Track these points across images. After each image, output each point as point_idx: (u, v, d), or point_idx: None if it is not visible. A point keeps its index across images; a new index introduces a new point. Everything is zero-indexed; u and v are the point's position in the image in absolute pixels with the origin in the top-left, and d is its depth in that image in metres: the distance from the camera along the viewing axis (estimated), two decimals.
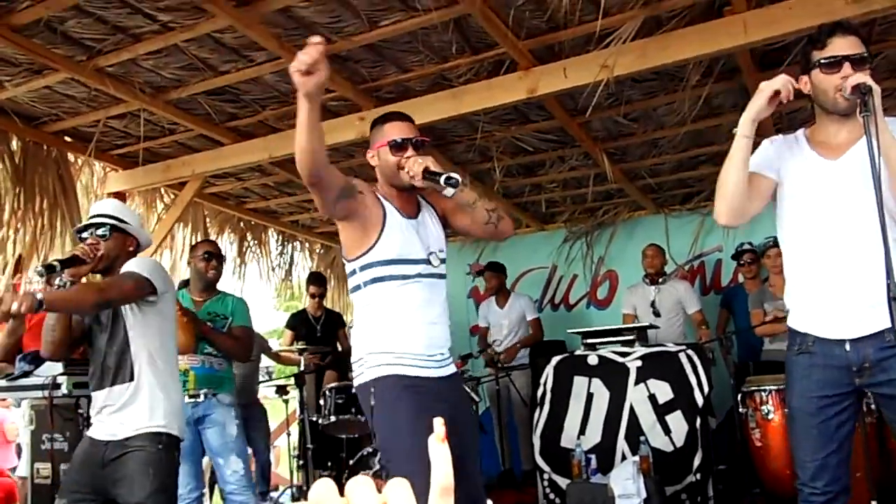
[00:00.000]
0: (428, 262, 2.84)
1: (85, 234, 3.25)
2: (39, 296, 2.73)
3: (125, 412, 3.10)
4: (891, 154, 2.28)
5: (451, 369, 2.91)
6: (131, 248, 3.33)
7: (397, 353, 2.72)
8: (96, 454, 3.08)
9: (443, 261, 2.93)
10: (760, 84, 2.50)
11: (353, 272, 2.85)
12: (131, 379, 3.11)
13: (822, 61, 2.43)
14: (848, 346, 2.36)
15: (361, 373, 2.79)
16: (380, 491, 0.61)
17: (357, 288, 2.84)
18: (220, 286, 4.74)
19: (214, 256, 4.60)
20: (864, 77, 2.29)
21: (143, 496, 2.96)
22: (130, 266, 3.19)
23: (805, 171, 2.50)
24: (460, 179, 2.62)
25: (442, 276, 2.91)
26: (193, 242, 6.26)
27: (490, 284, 7.36)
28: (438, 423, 0.65)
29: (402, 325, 2.76)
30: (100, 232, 3.24)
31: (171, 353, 3.30)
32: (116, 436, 3.08)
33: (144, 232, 3.46)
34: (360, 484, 0.61)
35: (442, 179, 2.61)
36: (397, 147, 2.82)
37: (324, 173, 2.63)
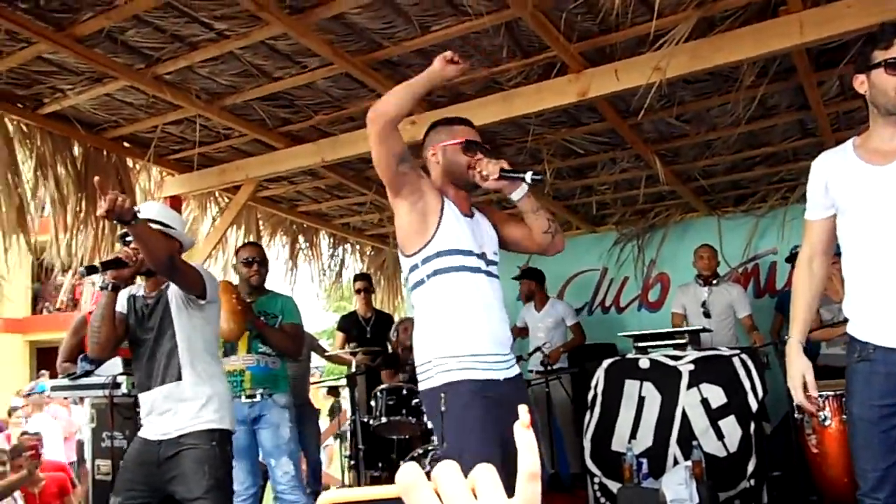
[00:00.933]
0: (485, 258, 2.82)
1: (129, 238, 3.27)
2: (136, 210, 2.93)
3: (175, 411, 3.17)
4: None
5: (516, 370, 2.87)
6: (174, 250, 3.36)
7: (466, 355, 2.66)
8: (151, 453, 3.16)
9: (496, 263, 2.90)
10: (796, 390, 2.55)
11: (415, 267, 2.80)
12: (179, 378, 3.18)
13: (889, 61, 2.35)
14: None
15: (430, 377, 2.71)
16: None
17: (419, 283, 2.78)
18: (271, 287, 4.81)
19: (256, 261, 4.66)
20: None
21: (199, 493, 3.03)
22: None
23: (854, 182, 2.45)
24: (542, 175, 2.77)
25: (497, 277, 2.88)
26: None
27: (523, 289, 7.35)
28: (524, 411, 0.66)
29: (469, 320, 2.71)
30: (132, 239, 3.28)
31: (215, 354, 3.41)
32: (169, 434, 3.15)
33: (187, 235, 3.53)
34: (447, 468, 0.62)
35: (528, 175, 2.69)
36: (471, 147, 2.86)
37: (394, 132, 2.69)
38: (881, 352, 2.38)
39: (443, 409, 2.63)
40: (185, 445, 3.14)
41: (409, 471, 0.62)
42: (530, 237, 2.96)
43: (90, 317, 5.83)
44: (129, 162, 5.81)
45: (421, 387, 2.78)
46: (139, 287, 3.45)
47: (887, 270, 2.36)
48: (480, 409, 2.59)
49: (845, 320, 2.63)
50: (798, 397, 2.46)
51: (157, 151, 5.53)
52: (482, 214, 3.03)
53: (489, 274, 2.81)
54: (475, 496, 0.61)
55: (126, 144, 5.59)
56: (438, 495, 0.61)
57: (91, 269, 3.09)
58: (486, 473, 0.62)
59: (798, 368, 2.49)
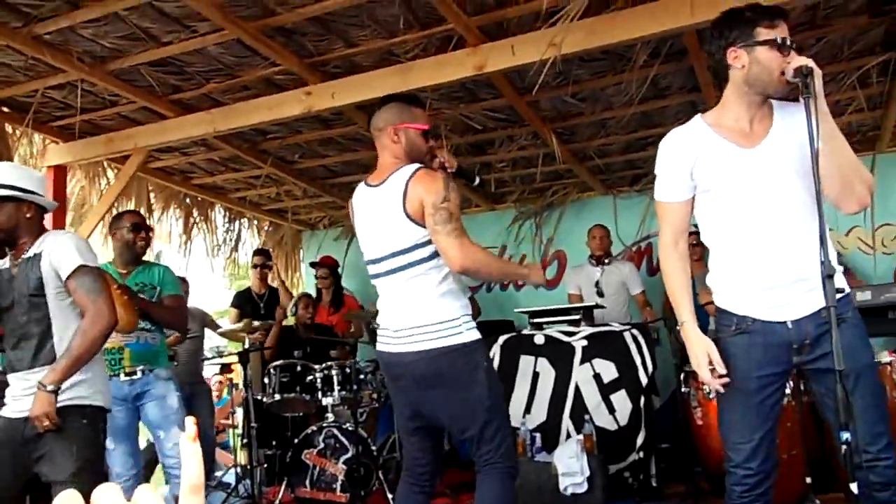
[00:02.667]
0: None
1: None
2: None
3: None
4: (833, 142, 2.28)
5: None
6: (29, 215, 3.09)
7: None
8: (14, 430, 2.94)
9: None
10: (701, 367, 2.49)
11: (436, 255, 2.85)
12: (52, 362, 2.96)
13: (778, 40, 2.37)
14: (790, 325, 2.39)
15: (460, 331, 2.82)
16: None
17: (434, 256, 2.85)
18: (153, 259, 4.62)
19: (143, 227, 4.44)
20: (806, 59, 2.28)
21: (66, 474, 2.84)
22: (62, 245, 3.03)
23: (722, 162, 2.46)
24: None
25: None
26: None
27: None
28: (189, 422, 0.71)
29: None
30: None
31: None
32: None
33: (44, 195, 3.18)
34: (106, 490, 0.63)
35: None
36: (431, 134, 3.05)
37: None
38: (760, 324, 2.44)
39: (484, 362, 2.87)
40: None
41: (68, 494, 0.62)
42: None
43: None
44: (8, 128, 5.49)
45: (447, 342, 2.80)
46: (4, 260, 3.18)
47: (763, 248, 2.42)
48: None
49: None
50: (705, 375, 2.43)
51: (37, 117, 5.26)
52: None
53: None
54: None
55: (4, 109, 5.28)
56: None
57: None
58: (145, 495, 0.63)
59: (701, 348, 2.45)
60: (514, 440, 5.05)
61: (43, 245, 3.06)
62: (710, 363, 2.42)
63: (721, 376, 2.42)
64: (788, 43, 2.39)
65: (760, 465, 2.40)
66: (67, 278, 2.99)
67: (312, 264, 8.02)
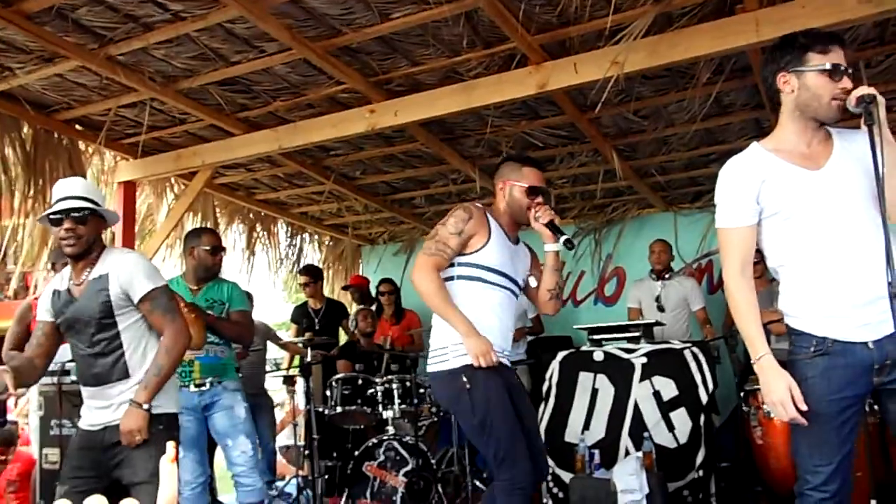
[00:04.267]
0: (513, 279, 3.37)
1: (57, 216, 3.08)
2: None
3: (120, 403, 3.09)
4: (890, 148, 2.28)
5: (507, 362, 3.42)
6: (101, 231, 3.25)
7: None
8: (94, 440, 3.09)
9: (520, 286, 3.49)
10: (785, 405, 2.37)
11: (452, 264, 3.28)
12: (125, 378, 3.09)
13: (828, 67, 2.38)
14: (871, 345, 2.36)
15: (447, 359, 3.19)
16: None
17: (449, 279, 3.27)
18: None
19: (221, 249, 4.56)
20: (868, 88, 2.29)
21: (145, 476, 2.96)
22: (130, 267, 3.12)
23: (790, 185, 2.45)
24: (574, 244, 3.43)
25: (516, 296, 3.44)
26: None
27: None
28: (170, 447, 0.94)
29: (483, 321, 3.20)
30: (77, 216, 3.10)
31: (157, 340, 3.24)
32: (115, 421, 3.06)
33: (110, 210, 3.33)
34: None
35: (562, 239, 3.33)
36: (533, 192, 3.38)
37: (438, 270, 3.27)
38: (840, 345, 2.41)
39: (468, 385, 3.11)
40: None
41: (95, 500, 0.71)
42: (537, 290, 3.55)
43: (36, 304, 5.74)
44: (81, 145, 5.70)
45: (438, 367, 3.25)
46: (62, 278, 3.26)
47: (838, 269, 2.39)
48: (499, 378, 3.18)
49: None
50: (789, 412, 2.33)
51: (109, 135, 5.44)
52: (526, 249, 3.60)
53: (513, 292, 3.39)
54: None
55: (78, 127, 5.48)
56: None
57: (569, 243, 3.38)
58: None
59: (783, 384, 2.35)
60: (573, 456, 5.06)
61: (108, 265, 3.14)
62: (793, 399, 2.35)
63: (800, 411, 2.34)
64: (843, 68, 2.39)
65: (838, 489, 2.36)
66: (140, 301, 3.11)
67: (344, 287, 8.19)
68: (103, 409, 3.11)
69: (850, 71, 2.39)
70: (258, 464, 4.40)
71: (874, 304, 2.30)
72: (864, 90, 2.28)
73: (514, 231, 3.50)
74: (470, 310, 3.20)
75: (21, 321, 4.92)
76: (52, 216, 3.09)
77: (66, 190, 3.16)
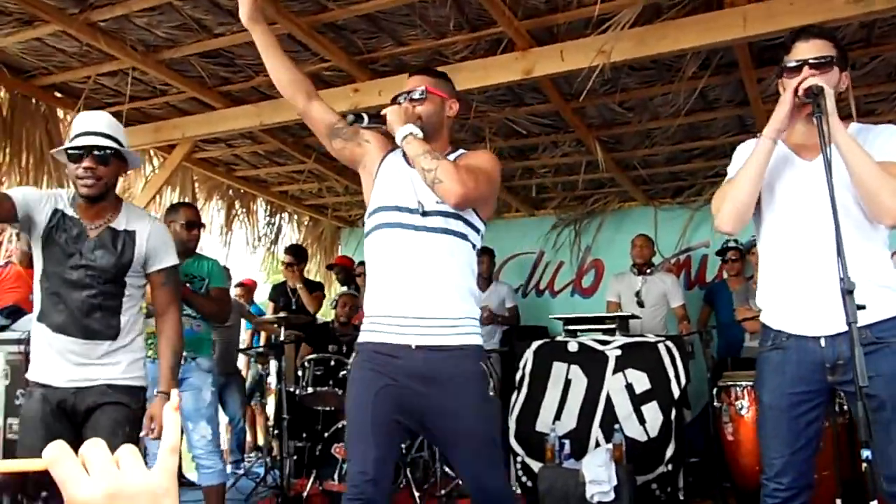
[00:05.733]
0: (421, 210, 2.54)
1: (76, 152, 2.80)
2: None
3: (101, 364, 2.87)
4: (848, 156, 2.29)
5: (442, 339, 2.50)
6: (123, 175, 3.07)
7: (370, 316, 2.59)
8: (64, 404, 2.84)
9: (444, 214, 2.55)
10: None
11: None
12: (113, 339, 2.90)
13: (786, 66, 2.45)
14: (823, 343, 2.36)
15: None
16: None
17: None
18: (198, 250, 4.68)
19: (197, 224, 4.50)
20: (813, 79, 2.31)
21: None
22: (163, 236, 3.01)
23: (785, 170, 2.49)
24: (366, 118, 2.60)
25: (449, 232, 2.55)
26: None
27: (482, 268, 7.24)
28: (174, 394, 0.84)
29: (376, 280, 2.60)
30: (100, 154, 2.81)
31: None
32: (94, 381, 2.83)
33: (134, 153, 3.04)
34: (95, 445, 0.72)
35: (366, 118, 2.62)
36: (395, 101, 2.74)
37: (300, 102, 2.72)
38: (794, 339, 2.42)
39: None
40: (109, 398, 2.83)
41: (56, 445, 0.69)
42: None
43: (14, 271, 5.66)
44: (60, 112, 5.60)
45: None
46: (65, 201, 2.94)
47: (804, 262, 2.40)
48: (360, 372, 2.55)
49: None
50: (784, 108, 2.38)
51: (88, 103, 5.34)
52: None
53: (429, 229, 2.53)
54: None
55: (56, 94, 5.39)
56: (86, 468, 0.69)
57: (358, 118, 2.61)
58: (128, 451, 0.73)
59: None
60: (543, 445, 5.07)
61: (133, 222, 2.96)
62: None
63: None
64: (800, 62, 2.41)
65: (792, 482, 2.38)
66: (158, 272, 3.00)
67: (329, 266, 8.16)
68: (80, 365, 2.84)
69: (811, 61, 2.39)
70: (217, 446, 4.35)
71: (829, 300, 2.29)
72: (809, 81, 2.31)
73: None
74: (371, 271, 2.64)
75: None
76: (70, 151, 2.81)
77: (90, 124, 2.87)
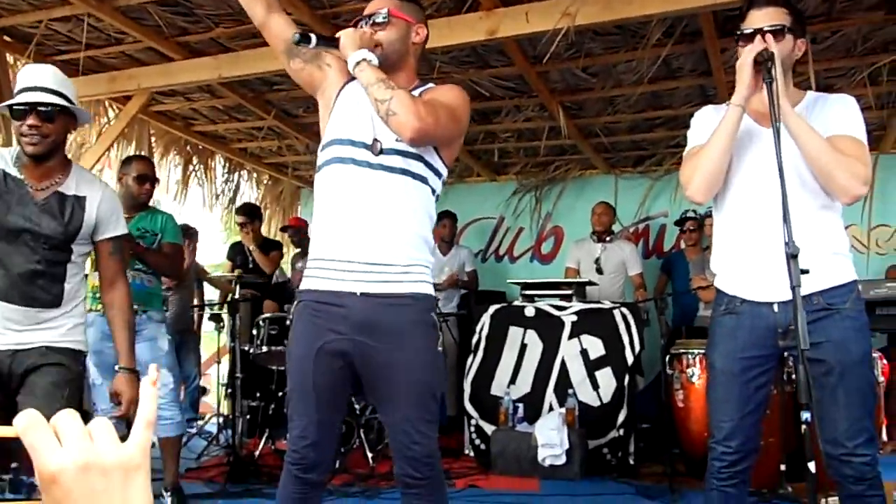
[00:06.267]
0: (376, 148, 2.34)
1: (21, 108, 2.66)
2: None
3: (41, 328, 2.77)
4: (798, 136, 2.29)
5: (392, 286, 2.32)
6: (70, 133, 2.90)
7: (313, 259, 2.40)
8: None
9: (403, 154, 2.35)
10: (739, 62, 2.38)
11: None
12: (55, 306, 2.78)
13: (740, 34, 2.42)
14: (776, 308, 2.38)
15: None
16: None
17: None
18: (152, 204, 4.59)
19: (150, 179, 4.40)
20: (761, 45, 2.29)
21: (50, 412, 2.71)
22: (113, 203, 2.90)
23: (745, 140, 2.48)
24: (314, 39, 2.31)
25: (404, 172, 2.34)
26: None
27: (444, 231, 7.18)
28: (152, 369, 0.79)
29: (320, 221, 2.42)
30: (46, 111, 2.68)
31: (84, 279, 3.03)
32: (33, 343, 2.74)
33: (83, 109, 2.93)
34: (67, 415, 0.70)
35: (314, 37, 2.33)
36: (356, 25, 2.51)
37: (258, 13, 2.50)
38: (748, 305, 2.44)
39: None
40: (48, 360, 2.73)
41: (28, 413, 0.68)
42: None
43: None
44: (10, 58, 5.41)
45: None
46: (8, 160, 2.77)
47: (760, 228, 2.41)
48: (301, 325, 2.37)
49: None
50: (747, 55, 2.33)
51: (40, 49, 5.20)
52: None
53: (385, 168, 2.33)
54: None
55: (6, 38, 5.20)
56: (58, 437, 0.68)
57: (304, 38, 2.32)
58: (102, 424, 0.71)
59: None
60: (497, 409, 5.10)
61: (83, 187, 2.84)
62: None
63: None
64: (752, 31, 2.38)
65: (740, 446, 2.41)
66: (106, 240, 2.89)
67: (283, 229, 8.09)
68: (19, 331, 2.73)
69: (764, 29, 2.37)
70: (179, 398, 4.31)
71: (782, 266, 2.30)
72: (758, 47, 2.29)
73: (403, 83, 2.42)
74: (316, 211, 2.45)
75: None
76: (14, 107, 2.67)
77: (35, 78, 2.72)
